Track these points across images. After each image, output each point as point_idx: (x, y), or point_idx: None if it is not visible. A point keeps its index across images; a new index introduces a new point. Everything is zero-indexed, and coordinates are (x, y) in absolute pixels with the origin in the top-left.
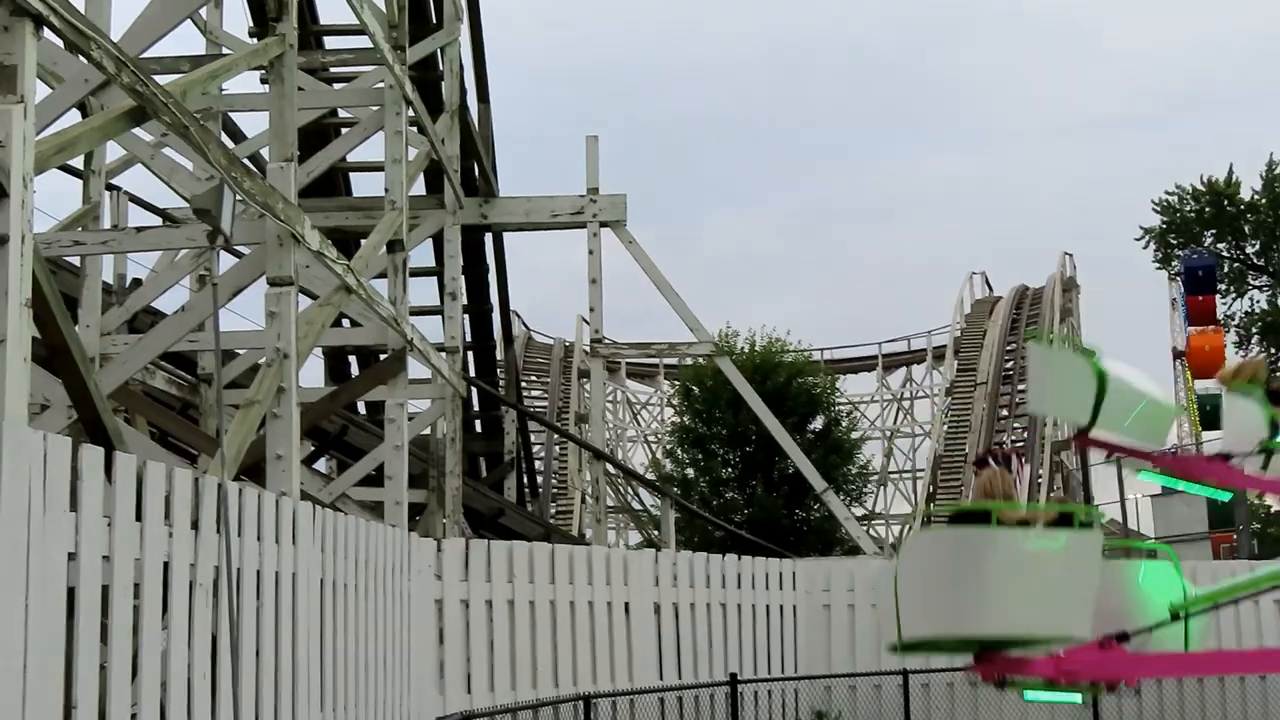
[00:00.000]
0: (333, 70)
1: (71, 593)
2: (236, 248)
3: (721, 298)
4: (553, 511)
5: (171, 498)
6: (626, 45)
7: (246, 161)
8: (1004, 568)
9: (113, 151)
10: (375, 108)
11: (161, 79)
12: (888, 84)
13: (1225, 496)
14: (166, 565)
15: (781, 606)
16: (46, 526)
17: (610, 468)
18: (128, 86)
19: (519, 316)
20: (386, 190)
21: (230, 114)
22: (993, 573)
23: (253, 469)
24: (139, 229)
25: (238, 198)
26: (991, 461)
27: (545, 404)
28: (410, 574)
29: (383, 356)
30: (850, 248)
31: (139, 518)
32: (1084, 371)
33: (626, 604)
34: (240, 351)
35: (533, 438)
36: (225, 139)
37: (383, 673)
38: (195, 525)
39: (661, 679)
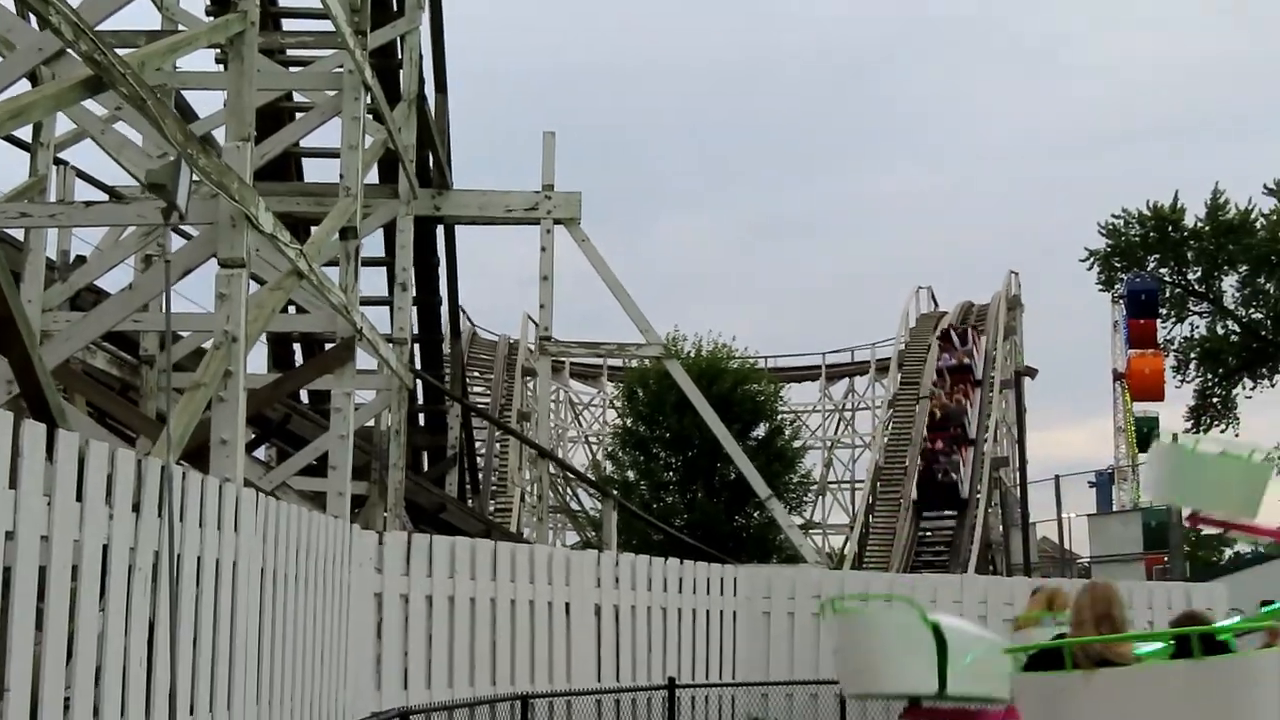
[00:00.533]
0: (290, 54)
1: (7, 573)
2: (186, 228)
3: (667, 302)
4: (491, 509)
5: (114, 479)
6: (582, 50)
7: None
8: None
9: (61, 125)
10: (333, 92)
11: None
12: (841, 99)
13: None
14: (105, 548)
15: (722, 612)
16: None
17: (552, 467)
18: (86, 55)
19: (464, 312)
20: (342, 176)
21: (182, 92)
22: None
23: (195, 453)
24: (88, 204)
25: (194, 176)
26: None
27: (488, 401)
28: (350, 566)
29: (329, 345)
30: (798, 259)
31: (79, 498)
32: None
33: (567, 604)
34: (184, 334)
35: (475, 434)
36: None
37: (320, 666)
38: (137, 508)
39: (600, 681)
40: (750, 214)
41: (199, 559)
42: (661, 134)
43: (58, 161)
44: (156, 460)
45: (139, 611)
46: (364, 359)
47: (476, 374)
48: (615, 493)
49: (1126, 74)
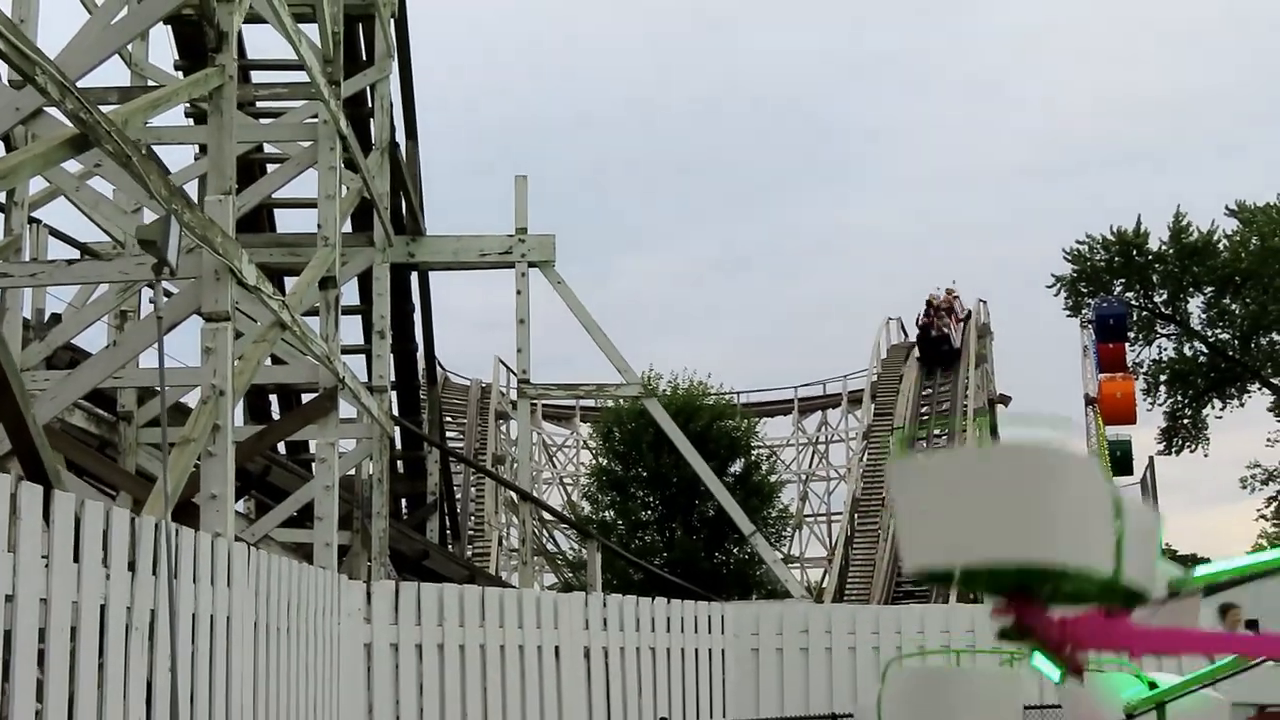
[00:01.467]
0: (260, 105)
1: (7, 636)
2: (166, 284)
3: (633, 341)
4: (469, 554)
5: (109, 538)
6: (540, 91)
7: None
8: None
9: (35, 184)
10: (308, 143)
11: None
12: (796, 134)
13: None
14: (103, 608)
15: (710, 650)
16: None
17: (532, 509)
18: (71, 113)
19: (436, 359)
20: (320, 226)
21: (153, 147)
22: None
23: (181, 508)
24: (69, 262)
25: (182, 231)
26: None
27: (462, 445)
28: (340, 617)
29: (308, 396)
30: (765, 294)
31: (76, 559)
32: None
33: (556, 648)
34: (166, 388)
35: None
36: None
37: (313, 718)
38: (132, 566)
39: None
40: (711, 250)
41: (194, 615)
42: (615, 174)
43: (31, 220)
44: (151, 518)
45: (136, 670)
46: (344, 408)
47: (449, 419)
48: (595, 534)
49: (1074, 103)
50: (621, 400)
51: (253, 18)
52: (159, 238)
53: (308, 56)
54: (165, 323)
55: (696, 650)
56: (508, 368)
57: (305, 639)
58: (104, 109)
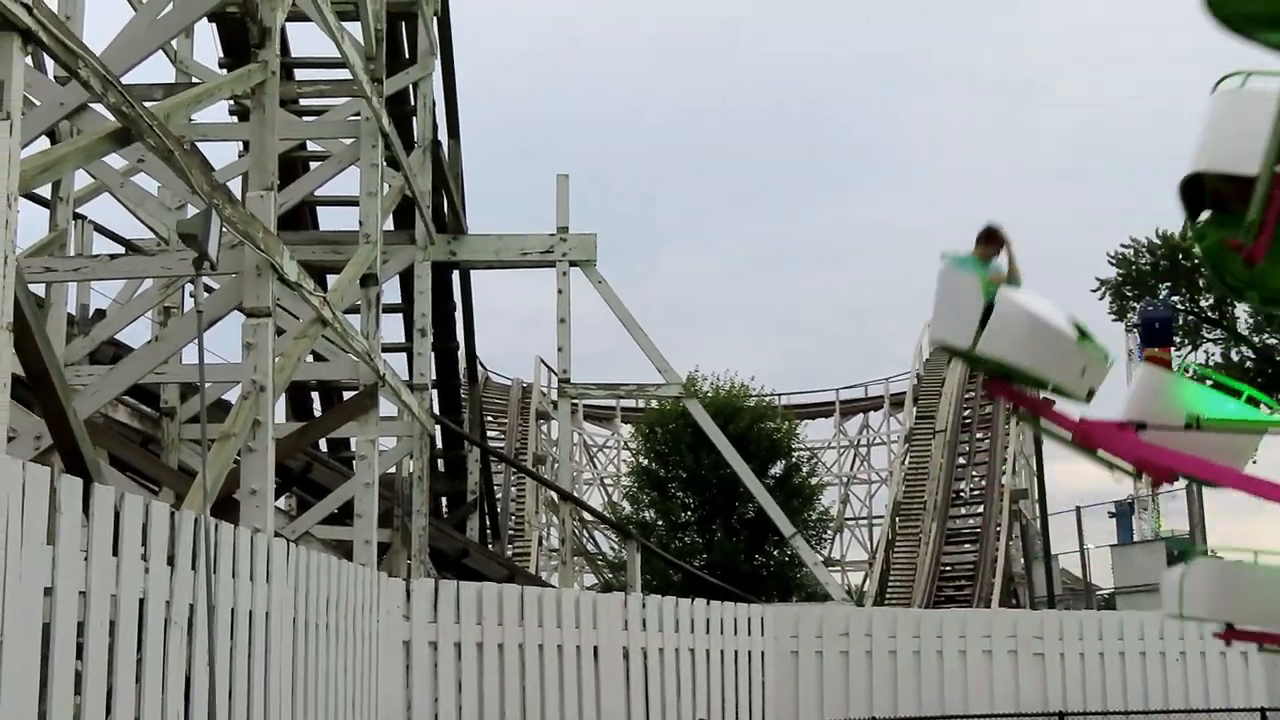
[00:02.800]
0: (302, 103)
1: (47, 629)
2: (207, 279)
3: (676, 340)
4: (510, 553)
5: (148, 532)
6: (577, 94)
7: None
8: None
9: (79, 180)
10: (350, 140)
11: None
12: (848, 131)
13: (1125, 471)
14: (142, 602)
15: (750, 652)
16: (24, 560)
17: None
18: (114, 107)
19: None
20: (361, 224)
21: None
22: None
23: (221, 504)
24: (111, 257)
25: (223, 226)
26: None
27: (503, 445)
28: (379, 614)
29: (350, 394)
30: (810, 293)
31: (115, 552)
32: (974, 288)
33: (595, 648)
34: (207, 384)
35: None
36: None
37: (352, 714)
38: (171, 561)
39: None
40: (755, 248)
41: (232, 610)
42: (667, 169)
43: (76, 216)
44: (190, 512)
45: (175, 664)
46: (384, 406)
47: (490, 419)
48: (635, 533)
49: (1121, 106)
50: (662, 401)
51: (296, 15)
52: (199, 232)
53: (350, 54)
54: (206, 318)
55: (736, 652)
56: (549, 367)
57: (344, 635)
58: (147, 104)
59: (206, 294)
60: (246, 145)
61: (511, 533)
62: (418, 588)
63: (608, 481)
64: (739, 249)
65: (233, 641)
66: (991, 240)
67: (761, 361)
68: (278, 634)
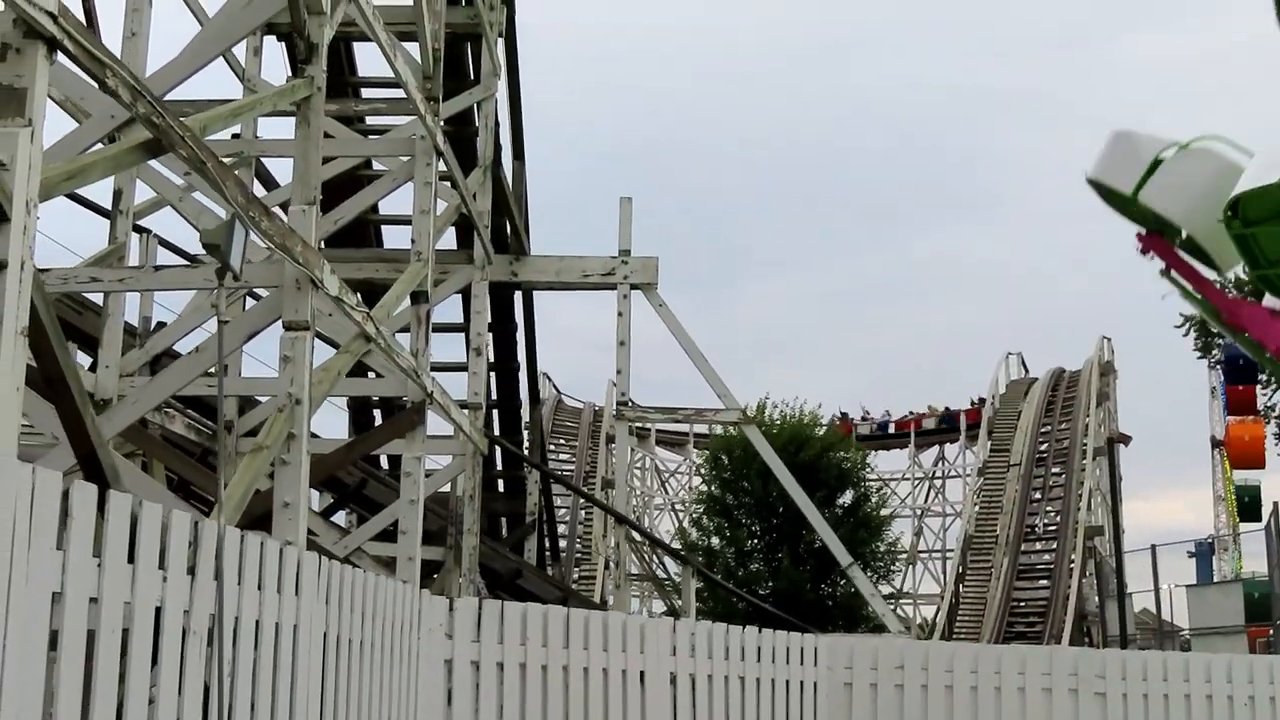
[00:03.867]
0: (369, 122)
1: (55, 636)
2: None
3: (755, 369)
4: (575, 576)
5: (168, 541)
6: (666, 116)
7: (269, 204)
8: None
9: (143, 193)
10: (406, 158)
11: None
12: (925, 165)
13: (1265, 361)
14: (159, 611)
15: (802, 683)
16: (31, 564)
17: (634, 534)
18: (143, 117)
19: (549, 379)
20: (413, 241)
21: (264, 160)
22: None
23: (265, 518)
24: (157, 268)
25: (249, 236)
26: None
27: (572, 467)
28: (420, 632)
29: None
30: (887, 324)
31: (131, 560)
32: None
33: (641, 672)
34: (262, 399)
35: (559, 501)
36: (257, 185)
37: None
38: (192, 571)
39: None
40: (834, 278)
41: (257, 622)
42: (748, 199)
43: (140, 229)
44: (211, 522)
45: (193, 675)
46: (442, 425)
47: (561, 441)
48: (693, 559)
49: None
50: (722, 427)
51: (363, 35)
52: (222, 242)
53: (404, 72)
54: (246, 331)
55: (788, 681)
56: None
57: (382, 652)
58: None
59: (251, 305)
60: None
61: (579, 555)
62: (461, 606)
63: (679, 507)
64: (826, 279)
65: (257, 653)
66: None
67: (840, 390)
68: (306, 647)
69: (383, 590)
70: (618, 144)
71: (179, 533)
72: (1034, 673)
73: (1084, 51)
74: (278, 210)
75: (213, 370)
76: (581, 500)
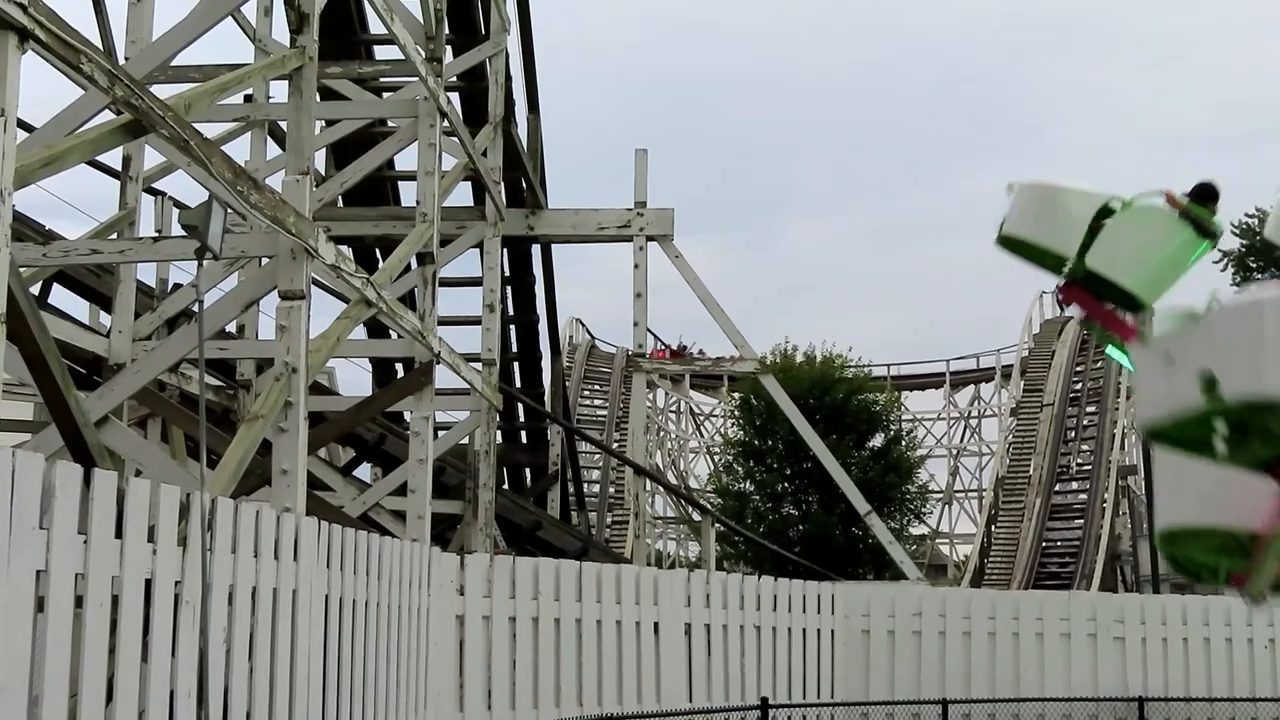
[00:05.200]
0: (384, 81)
1: (42, 604)
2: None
3: (795, 307)
4: (609, 521)
5: (157, 514)
6: (709, 56)
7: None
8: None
9: (150, 159)
10: (413, 119)
11: (176, 89)
12: (972, 99)
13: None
14: (149, 583)
15: (819, 630)
16: (12, 545)
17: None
18: (121, 100)
19: (582, 324)
20: (418, 202)
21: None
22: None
23: (264, 484)
24: (155, 238)
25: (230, 211)
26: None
27: (606, 412)
28: (431, 589)
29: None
30: (926, 262)
31: (119, 534)
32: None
33: (656, 624)
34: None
35: (590, 448)
36: (272, 146)
37: (397, 688)
38: (184, 542)
39: (691, 701)
40: (878, 216)
41: (254, 589)
42: (789, 138)
43: (153, 192)
44: (208, 495)
45: (187, 643)
46: (456, 380)
47: (596, 386)
48: (720, 504)
49: (1261, 74)
50: (744, 375)
51: None
52: (200, 222)
53: (401, 33)
54: (244, 300)
55: (804, 630)
56: (655, 336)
57: (389, 610)
58: (170, 92)
59: (248, 276)
60: (329, 123)
61: (612, 501)
62: (472, 562)
63: (715, 450)
64: (863, 221)
65: (254, 619)
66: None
67: (878, 331)
68: (306, 611)
69: (389, 550)
70: (664, 85)
71: (168, 506)
72: (1052, 618)
73: None
74: (279, 176)
75: (228, 332)
76: (617, 447)
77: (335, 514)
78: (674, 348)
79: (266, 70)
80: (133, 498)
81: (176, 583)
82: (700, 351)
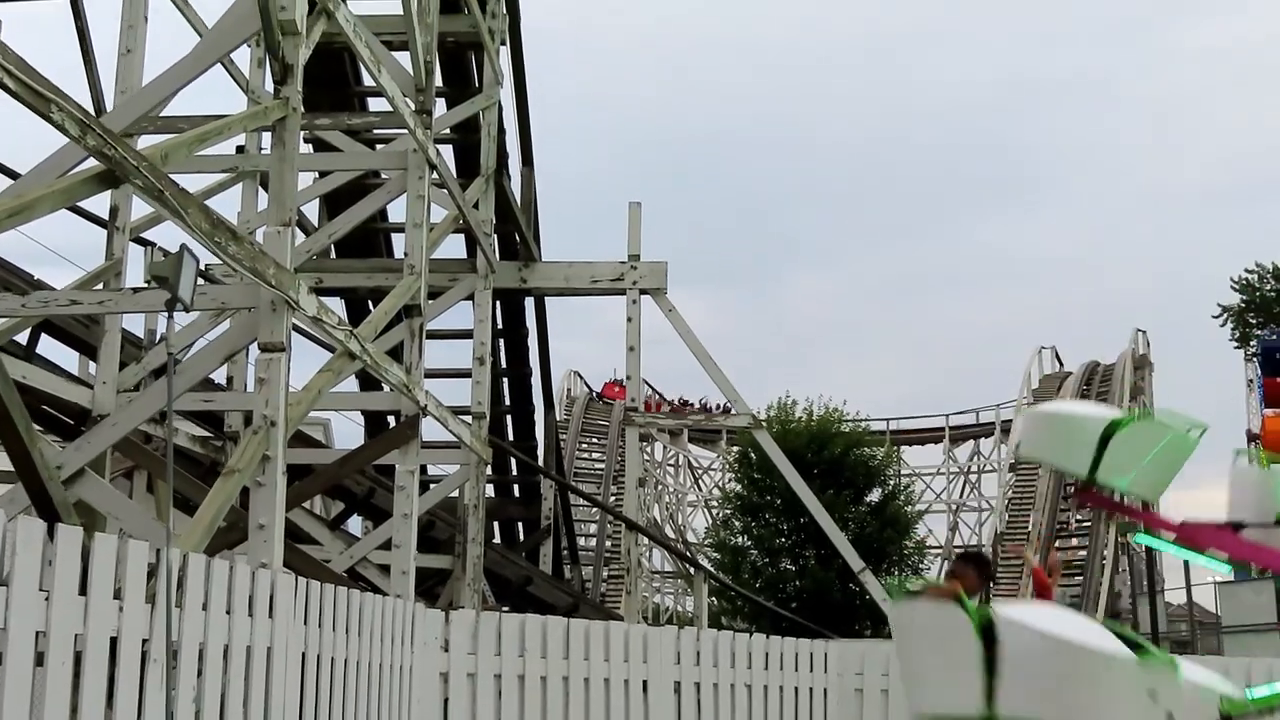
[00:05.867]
0: (375, 132)
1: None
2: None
3: (797, 360)
4: (605, 576)
5: (124, 570)
6: (711, 107)
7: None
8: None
9: (137, 210)
10: (402, 170)
11: (158, 139)
12: (967, 157)
13: (1226, 569)
14: (115, 641)
15: (811, 689)
16: None
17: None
18: (94, 150)
19: (581, 377)
20: (406, 254)
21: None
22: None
23: (241, 540)
24: (135, 289)
25: (223, 261)
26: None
27: (604, 465)
28: (415, 646)
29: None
30: (925, 316)
31: (83, 591)
32: (1094, 421)
33: (645, 682)
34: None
35: (584, 502)
36: (264, 197)
37: None
38: (153, 600)
39: None
40: (879, 271)
41: (226, 646)
42: (792, 192)
43: (142, 242)
44: (177, 551)
45: (154, 702)
46: (445, 434)
47: (595, 439)
48: (716, 559)
49: (1248, 131)
50: (730, 430)
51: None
52: (171, 274)
53: (389, 85)
54: (224, 352)
55: (796, 689)
56: (653, 389)
57: (370, 669)
58: (148, 143)
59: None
60: (321, 174)
61: (608, 555)
62: (456, 618)
63: (713, 504)
64: (867, 274)
65: (226, 678)
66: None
67: (878, 383)
68: (281, 669)
69: (370, 606)
70: (666, 137)
71: (136, 562)
72: None
73: (1132, 37)
74: (269, 228)
75: (216, 383)
76: (615, 500)
77: (317, 569)
78: (674, 402)
79: (248, 120)
80: (98, 553)
81: (144, 641)
82: (704, 405)
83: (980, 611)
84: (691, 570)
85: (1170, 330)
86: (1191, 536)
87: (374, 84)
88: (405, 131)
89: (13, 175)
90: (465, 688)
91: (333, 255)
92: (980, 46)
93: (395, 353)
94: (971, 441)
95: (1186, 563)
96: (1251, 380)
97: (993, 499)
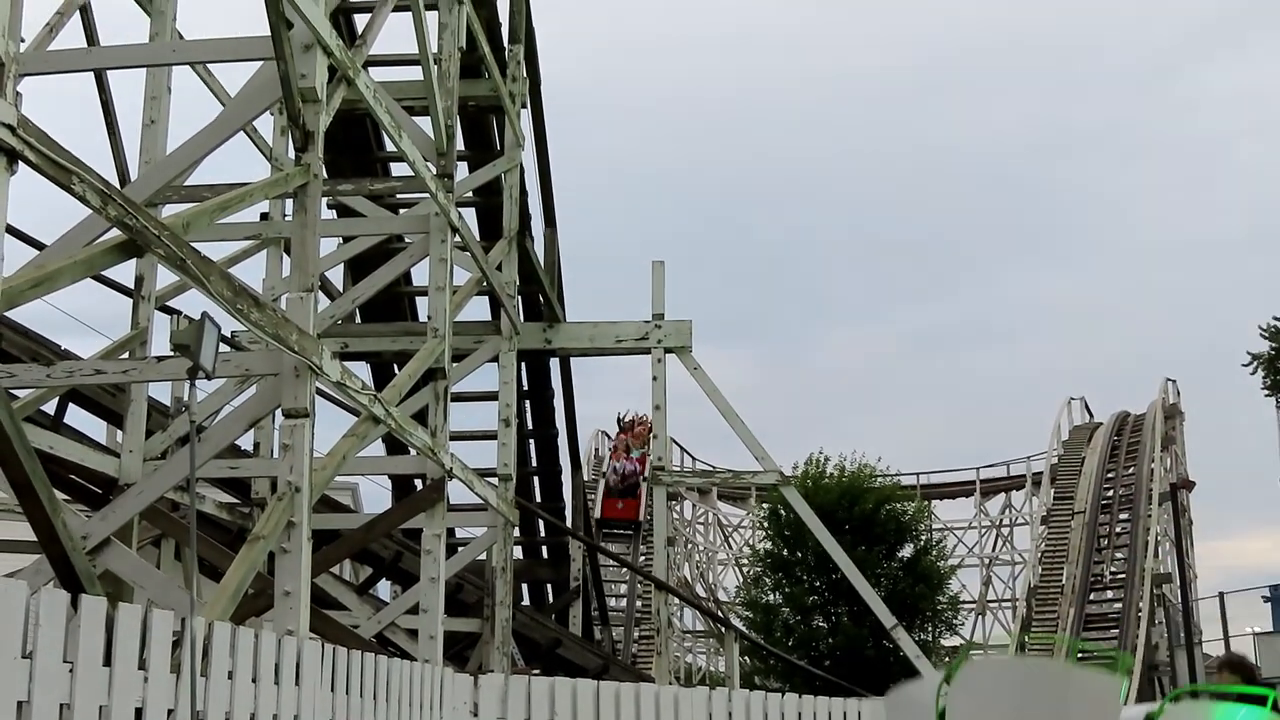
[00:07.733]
0: (401, 197)
1: None
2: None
3: (829, 416)
4: (636, 636)
5: (149, 641)
6: (739, 163)
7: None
8: None
9: (163, 279)
10: (425, 234)
11: (181, 208)
12: (1000, 202)
13: None
14: (140, 712)
15: None
16: None
17: (677, 597)
18: (115, 220)
19: (608, 436)
20: (429, 317)
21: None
22: None
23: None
24: (159, 358)
25: (230, 332)
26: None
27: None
28: (444, 711)
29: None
30: (956, 368)
31: (107, 662)
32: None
33: None
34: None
35: (614, 563)
36: (286, 263)
37: None
38: (178, 669)
39: None
40: (909, 324)
41: (252, 715)
42: (821, 250)
43: (168, 310)
44: (202, 620)
45: None
46: (472, 496)
47: None
48: (747, 617)
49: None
50: (765, 488)
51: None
52: (193, 342)
53: (409, 150)
54: (248, 419)
55: None
56: (681, 448)
57: None
58: (171, 212)
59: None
60: (345, 239)
61: (639, 616)
62: (485, 683)
63: (743, 562)
64: (896, 328)
65: None
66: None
67: (910, 438)
68: None
69: (398, 671)
70: (691, 194)
71: (160, 632)
72: None
73: (1160, 86)
74: (292, 295)
75: (243, 450)
76: (645, 561)
77: (345, 634)
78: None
79: (270, 188)
80: (122, 623)
81: (169, 711)
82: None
83: None
84: (723, 629)
85: (1200, 379)
86: None
87: (396, 149)
88: (427, 195)
89: (39, 246)
90: None
91: (358, 319)
92: (1011, 98)
93: (421, 416)
94: (1003, 494)
95: (1224, 614)
96: None
97: (1025, 552)
